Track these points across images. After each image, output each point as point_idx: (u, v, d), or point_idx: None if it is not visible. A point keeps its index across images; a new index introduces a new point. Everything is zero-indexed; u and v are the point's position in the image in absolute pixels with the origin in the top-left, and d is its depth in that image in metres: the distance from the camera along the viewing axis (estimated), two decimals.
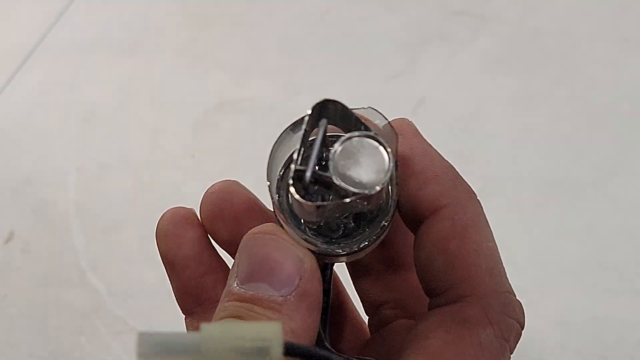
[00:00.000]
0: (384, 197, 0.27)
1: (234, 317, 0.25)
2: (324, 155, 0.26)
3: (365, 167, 0.24)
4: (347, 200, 0.24)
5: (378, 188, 0.24)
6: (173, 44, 0.85)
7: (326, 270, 0.29)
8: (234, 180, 0.32)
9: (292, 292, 0.25)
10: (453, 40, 0.80)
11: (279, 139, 0.27)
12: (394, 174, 0.26)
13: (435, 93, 0.77)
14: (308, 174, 0.24)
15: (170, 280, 0.33)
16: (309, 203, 0.25)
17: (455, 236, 0.27)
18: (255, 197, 0.32)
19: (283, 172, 0.28)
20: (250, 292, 0.25)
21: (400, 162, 0.27)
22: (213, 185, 0.32)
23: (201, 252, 0.31)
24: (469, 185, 0.29)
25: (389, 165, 0.24)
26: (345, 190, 0.24)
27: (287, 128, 0.27)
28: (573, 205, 0.68)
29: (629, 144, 0.72)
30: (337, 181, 0.24)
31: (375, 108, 0.26)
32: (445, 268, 0.27)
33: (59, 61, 0.86)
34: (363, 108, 0.26)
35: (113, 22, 0.89)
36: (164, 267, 0.32)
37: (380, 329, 0.32)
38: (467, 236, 0.27)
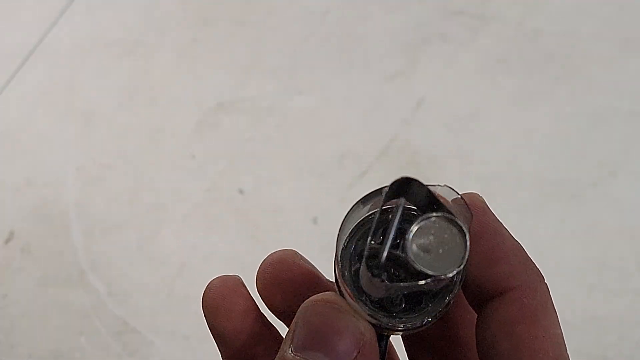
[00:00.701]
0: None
1: None
2: (398, 232, 0.26)
3: (442, 249, 0.24)
4: (422, 282, 0.24)
5: (454, 273, 0.24)
6: (173, 44, 0.85)
7: (381, 341, 0.28)
8: (292, 250, 0.32)
9: None
10: (453, 40, 0.80)
11: (350, 211, 0.27)
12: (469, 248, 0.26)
13: (435, 93, 0.77)
14: (385, 253, 0.24)
15: (219, 350, 0.32)
16: (381, 283, 0.25)
17: (524, 320, 0.27)
18: (315, 268, 0.31)
19: (347, 242, 0.28)
20: None
21: (470, 240, 0.26)
22: (271, 254, 0.31)
23: (252, 324, 0.31)
24: (538, 268, 0.28)
25: (467, 249, 0.24)
26: (420, 272, 0.24)
27: (358, 201, 0.27)
28: (573, 205, 0.68)
29: (629, 144, 0.72)
30: (412, 262, 0.24)
31: (451, 186, 0.25)
32: (510, 352, 0.26)
33: (59, 61, 0.86)
34: (439, 185, 0.26)
35: (113, 22, 0.89)
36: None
37: None
38: (535, 321, 0.27)
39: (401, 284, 0.25)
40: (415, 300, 0.27)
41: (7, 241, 0.73)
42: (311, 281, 0.30)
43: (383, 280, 0.25)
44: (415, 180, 0.25)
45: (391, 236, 0.25)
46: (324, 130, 0.76)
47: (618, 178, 0.69)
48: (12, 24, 0.91)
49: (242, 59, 0.83)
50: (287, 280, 0.30)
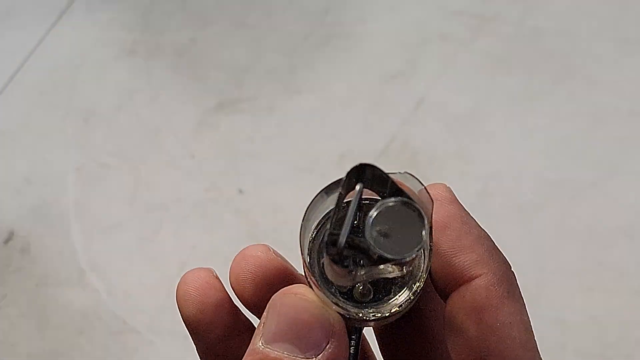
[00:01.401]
0: (417, 263, 0.27)
1: None
2: (359, 219, 0.26)
3: (401, 233, 0.24)
4: (381, 266, 0.24)
5: (413, 255, 0.24)
6: (173, 44, 0.85)
7: (354, 333, 0.29)
8: (264, 245, 0.32)
9: (318, 355, 0.25)
10: (453, 40, 0.80)
11: (313, 202, 0.27)
12: (429, 240, 0.26)
13: (435, 93, 0.77)
14: (342, 238, 0.24)
15: (194, 343, 0.32)
16: (342, 268, 0.25)
17: (490, 307, 0.27)
18: (288, 262, 0.32)
19: (315, 234, 0.28)
20: (276, 353, 0.25)
21: (435, 228, 0.27)
22: (244, 249, 0.31)
23: (225, 315, 0.31)
24: (505, 256, 0.28)
25: (425, 232, 0.24)
26: (380, 256, 0.24)
27: (321, 191, 0.27)
28: (573, 205, 0.68)
29: (629, 143, 0.72)
30: (372, 247, 0.24)
31: (412, 173, 0.26)
32: (478, 339, 0.27)
33: (59, 61, 0.86)
34: (399, 173, 0.26)
35: (113, 22, 0.88)
36: (186, 331, 0.32)
37: None
38: (502, 308, 0.27)
39: (362, 269, 0.25)
40: (384, 291, 0.27)
41: (6, 241, 0.73)
42: (283, 275, 0.30)
43: (345, 266, 0.25)
44: (373, 167, 0.25)
45: (348, 220, 0.25)
46: (324, 130, 0.76)
47: (618, 178, 0.69)
48: (12, 23, 0.91)
49: (241, 59, 0.83)
50: (260, 274, 0.30)
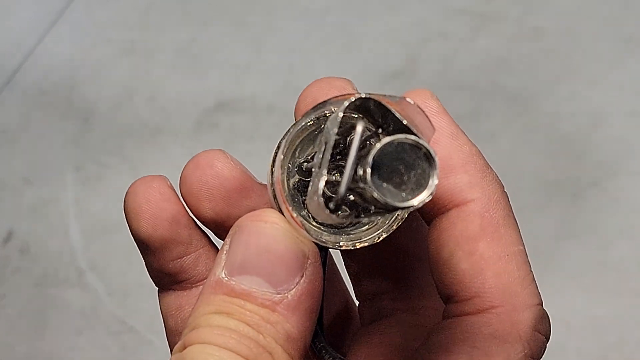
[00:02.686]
0: None
1: (222, 313, 0.22)
2: (358, 159, 0.22)
3: (407, 176, 0.21)
4: (389, 214, 0.21)
5: (423, 203, 0.20)
6: (172, 43, 0.85)
7: (321, 252, 0.25)
8: (220, 150, 0.28)
9: (291, 290, 0.22)
10: (453, 39, 0.80)
11: (297, 122, 0.24)
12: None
13: (435, 92, 0.77)
14: (343, 189, 0.20)
15: (144, 260, 0.29)
16: (339, 219, 0.21)
17: (485, 237, 0.24)
18: (247, 170, 0.28)
19: (284, 153, 0.24)
20: (243, 287, 0.22)
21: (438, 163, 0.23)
22: (196, 156, 0.27)
23: (179, 231, 0.27)
24: (498, 176, 0.25)
25: (436, 176, 0.20)
26: (386, 204, 0.20)
27: (303, 116, 0.24)
28: (573, 205, 0.68)
29: (630, 143, 0.72)
30: (377, 196, 0.20)
31: (409, 99, 0.22)
32: (471, 273, 0.24)
33: (58, 60, 0.86)
34: (392, 96, 0.22)
35: (112, 22, 0.88)
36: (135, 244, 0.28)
37: (375, 320, 0.29)
38: (498, 237, 0.24)
39: (362, 217, 0.22)
40: (364, 215, 0.23)
41: (5, 241, 0.73)
42: (243, 185, 0.27)
43: (340, 214, 0.21)
44: (371, 99, 0.22)
45: (349, 169, 0.21)
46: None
47: (618, 178, 0.69)
48: (12, 23, 0.91)
49: (241, 58, 0.83)
50: (216, 184, 0.27)
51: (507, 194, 0.24)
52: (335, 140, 0.21)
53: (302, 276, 0.23)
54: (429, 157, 0.21)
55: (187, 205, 0.27)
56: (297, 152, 0.24)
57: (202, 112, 0.79)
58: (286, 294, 0.22)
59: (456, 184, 0.24)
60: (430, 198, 0.20)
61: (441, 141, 0.25)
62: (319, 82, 0.28)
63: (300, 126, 0.24)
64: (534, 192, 0.69)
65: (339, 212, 0.22)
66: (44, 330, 0.68)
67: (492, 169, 0.25)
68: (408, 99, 0.21)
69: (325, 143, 0.21)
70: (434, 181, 0.20)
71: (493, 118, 0.75)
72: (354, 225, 0.24)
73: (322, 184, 0.21)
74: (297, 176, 0.24)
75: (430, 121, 0.22)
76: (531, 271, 0.24)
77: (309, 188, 0.22)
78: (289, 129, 0.24)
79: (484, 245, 0.24)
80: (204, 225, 0.28)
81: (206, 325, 0.22)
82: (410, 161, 0.21)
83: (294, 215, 0.23)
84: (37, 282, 0.70)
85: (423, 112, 0.22)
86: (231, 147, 0.77)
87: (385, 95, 0.22)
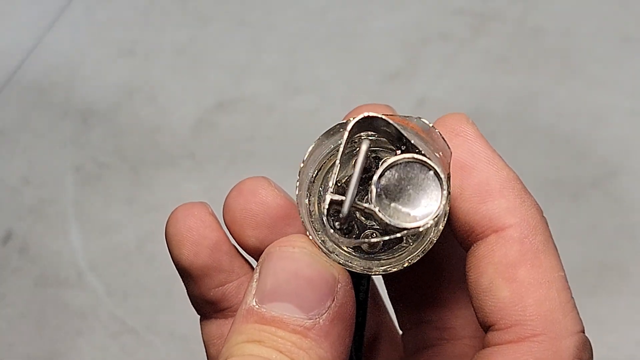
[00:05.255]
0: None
1: (254, 342, 0.21)
2: (365, 178, 0.22)
3: (414, 196, 0.21)
4: (394, 236, 0.21)
5: (429, 224, 0.20)
6: (172, 43, 0.85)
7: (361, 279, 0.25)
8: (264, 177, 0.27)
9: (322, 315, 0.22)
10: (453, 39, 0.80)
11: (313, 147, 0.24)
12: (450, 182, 0.22)
13: (436, 92, 0.77)
14: (346, 208, 0.20)
15: (185, 286, 0.28)
16: (344, 239, 0.22)
17: (525, 263, 0.23)
18: (290, 197, 0.27)
19: (316, 175, 0.24)
20: (274, 313, 0.22)
21: (459, 170, 0.23)
22: (240, 183, 0.27)
23: (222, 259, 0.27)
24: (536, 201, 0.25)
25: (444, 199, 0.20)
26: (391, 225, 0.20)
27: (321, 135, 0.24)
28: (573, 205, 0.68)
29: (630, 143, 0.72)
30: (381, 215, 0.20)
31: (425, 120, 0.22)
32: (512, 300, 0.23)
33: (58, 60, 0.86)
34: (413, 117, 0.22)
35: (112, 21, 0.88)
36: (168, 272, 0.28)
37: (419, 351, 0.28)
38: (538, 264, 0.24)
39: (367, 239, 0.22)
40: (395, 240, 0.23)
41: (5, 241, 0.73)
42: (286, 213, 0.27)
43: (346, 236, 0.21)
44: (380, 119, 0.22)
45: (352, 187, 0.21)
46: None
47: (618, 178, 0.69)
48: (12, 23, 0.91)
49: (241, 58, 0.82)
50: (260, 212, 0.26)
51: (546, 219, 0.25)
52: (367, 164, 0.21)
53: (333, 300, 0.22)
54: (438, 178, 0.21)
55: (230, 232, 0.27)
56: (327, 175, 0.24)
57: (202, 112, 0.79)
58: (318, 319, 0.22)
59: (494, 210, 0.24)
60: (435, 220, 0.20)
61: (478, 166, 0.24)
62: (360, 108, 0.28)
63: (319, 147, 0.24)
64: (534, 192, 0.69)
65: (351, 234, 0.21)
66: (43, 330, 0.68)
67: (530, 194, 0.25)
68: (424, 120, 0.22)
69: (338, 164, 0.21)
70: (441, 202, 0.20)
71: (493, 118, 0.74)
72: (387, 251, 0.24)
73: (326, 204, 0.21)
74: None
75: (447, 143, 0.22)
76: (572, 298, 0.24)
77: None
78: (310, 150, 0.24)
79: (524, 272, 0.23)
80: (247, 252, 0.28)
81: (239, 354, 0.22)
82: (419, 182, 0.21)
83: (316, 239, 0.23)
84: (37, 282, 0.70)
85: (439, 134, 0.21)
86: (231, 146, 0.77)
87: (403, 116, 0.21)
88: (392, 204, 0.21)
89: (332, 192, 0.21)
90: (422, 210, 0.21)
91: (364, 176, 0.22)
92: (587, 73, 0.76)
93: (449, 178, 0.21)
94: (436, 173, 0.21)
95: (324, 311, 0.22)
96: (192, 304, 0.29)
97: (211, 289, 0.27)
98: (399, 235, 0.21)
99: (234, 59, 0.83)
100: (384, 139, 0.22)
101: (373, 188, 0.20)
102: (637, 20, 0.79)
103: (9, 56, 0.87)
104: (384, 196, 0.20)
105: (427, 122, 0.22)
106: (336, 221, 0.22)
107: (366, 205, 0.21)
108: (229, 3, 0.87)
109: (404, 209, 0.21)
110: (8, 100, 0.84)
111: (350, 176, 0.22)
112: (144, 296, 0.68)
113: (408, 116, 0.22)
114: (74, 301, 0.69)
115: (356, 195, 0.21)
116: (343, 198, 0.21)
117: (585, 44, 0.78)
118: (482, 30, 0.80)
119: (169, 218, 0.27)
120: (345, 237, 0.22)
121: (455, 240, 0.25)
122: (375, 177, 0.20)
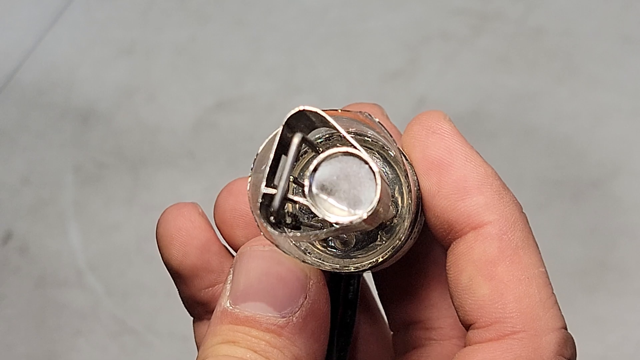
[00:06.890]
0: (401, 202, 0.23)
1: (229, 342, 0.22)
2: (301, 173, 0.22)
3: (352, 192, 0.20)
4: (324, 231, 0.20)
5: (363, 217, 0.20)
6: (172, 43, 0.85)
7: (351, 279, 0.25)
8: None
9: (295, 312, 0.22)
10: (454, 38, 0.80)
11: (262, 151, 0.23)
12: (408, 178, 0.22)
13: (436, 92, 0.77)
14: (277, 202, 0.20)
15: (176, 287, 0.28)
16: (277, 233, 0.21)
17: (504, 260, 0.23)
18: None
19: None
20: (247, 313, 0.22)
21: (436, 167, 0.23)
22: (231, 183, 0.27)
23: (210, 259, 0.27)
24: (515, 197, 0.25)
25: (378, 191, 0.20)
26: (324, 218, 0.20)
27: (266, 140, 0.23)
28: (574, 205, 0.68)
29: (630, 143, 0.71)
30: (314, 210, 0.20)
31: (369, 114, 0.22)
32: (491, 298, 0.23)
33: (57, 60, 0.86)
34: (353, 113, 0.21)
35: (112, 21, 0.88)
36: (167, 272, 0.28)
37: (408, 351, 0.28)
38: (517, 260, 0.23)
39: (301, 234, 0.21)
40: (369, 238, 0.23)
41: (4, 241, 0.73)
42: None
43: (282, 232, 0.21)
44: (316, 113, 0.22)
45: (284, 180, 0.20)
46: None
47: (619, 178, 0.69)
48: (11, 23, 0.91)
49: (241, 58, 0.82)
50: (249, 211, 0.26)
51: (525, 215, 0.24)
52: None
53: (305, 297, 0.22)
54: (371, 171, 0.20)
55: (220, 232, 0.27)
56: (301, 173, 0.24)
57: (202, 111, 0.79)
58: (291, 317, 0.22)
59: (472, 207, 0.23)
60: (369, 214, 0.20)
61: (455, 164, 0.24)
62: (350, 107, 0.27)
63: (264, 152, 0.23)
64: (534, 192, 0.69)
65: (281, 230, 0.21)
66: (43, 331, 0.68)
67: (509, 190, 0.24)
68: (359, 112, 0.21)
69: (271, 157, 0.21)
70: (374, 197, 0.20)
71: (493, 118, 0.74)
72: (361, 250, 0.24)
73: (259, 197, 0.21)
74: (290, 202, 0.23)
75: (390, 134, 0.21)
76: (553, 294, 0.24)
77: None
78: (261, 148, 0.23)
79: (503, 269, 0.23)
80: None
81: (214, 356, 0.22)
82: (357, 177, 0.20)
83: (268, 235, 0.22)
84: (37, 282, 0.70)
85: (379, 124, 0.21)
86: (231, 146, 0.77)
87: (355, 112, 0.21)
88: (329, 199, 0.20)
89: (265, 186, 0.21)
90: (361, 205, 0.20)
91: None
92: (587, 73, 0.76)
93: (405, 156, 0.21)
94: (370, 167, 0.20)
95: (297, 309, 0.22)
96: (184, 305, 0.29)
97: (201, 289, 0.27)
98: (333, 230, 0.20)
99: (234, 58, 0.83)
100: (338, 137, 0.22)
101: (306, 182, 0.20)
102: (638, 20, 0.79)
103: (9, 56, 0.87)
104: (321, 191, 0.20)
105: (369, 115, 0.22)
106: (270, 215, 0.21)
107: (300, 199, 0.21)
108: (229, 3, 0.87)
109: (340, 204, 0.20)
110: (8, 100, 0.84)
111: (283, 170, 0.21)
112: (143, 296, 0.68)
113: (346, 110, 0.22)
114: (74, 301, 0.69)
115: (293, 189, 0.21)
116: (275, 192, 0.21)
117: (585, 44, 0.78)
118: (482, 30, 0.80)
119: (159, 219, 0.27)
120: (290, 231, 0.21)
121: (436, 241, 0.25)
122: (308, 172, 0.20)
